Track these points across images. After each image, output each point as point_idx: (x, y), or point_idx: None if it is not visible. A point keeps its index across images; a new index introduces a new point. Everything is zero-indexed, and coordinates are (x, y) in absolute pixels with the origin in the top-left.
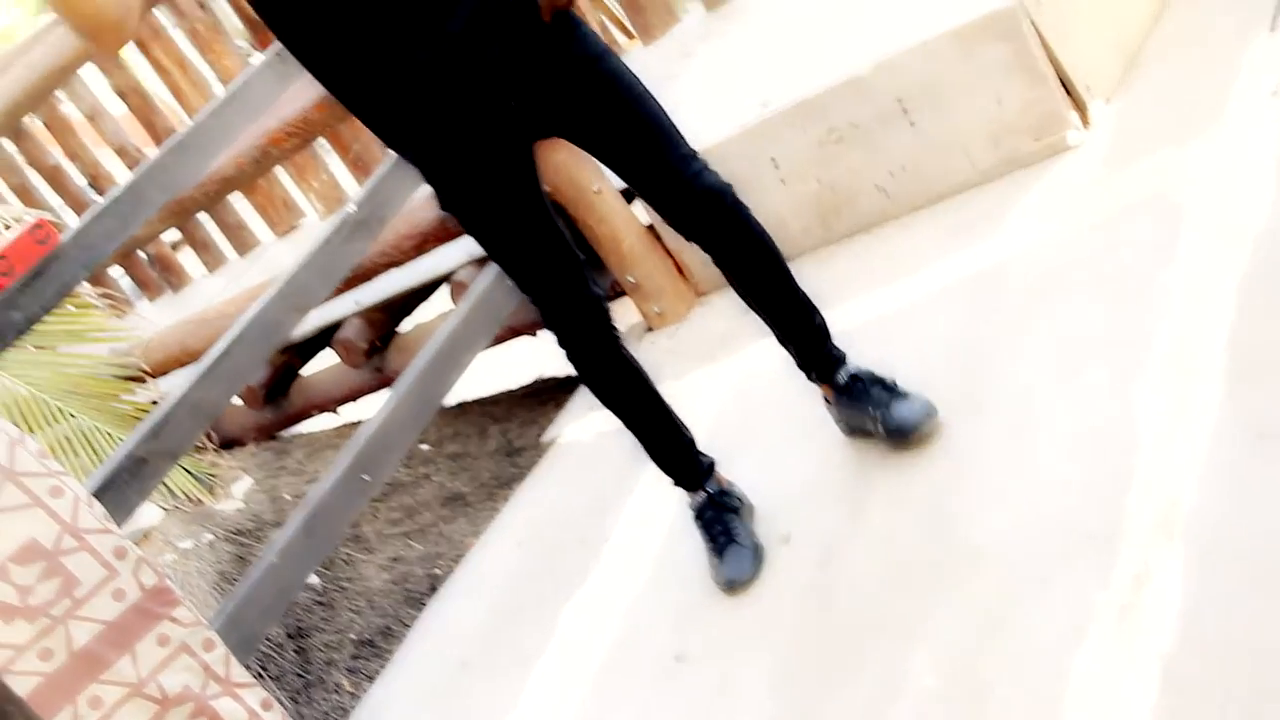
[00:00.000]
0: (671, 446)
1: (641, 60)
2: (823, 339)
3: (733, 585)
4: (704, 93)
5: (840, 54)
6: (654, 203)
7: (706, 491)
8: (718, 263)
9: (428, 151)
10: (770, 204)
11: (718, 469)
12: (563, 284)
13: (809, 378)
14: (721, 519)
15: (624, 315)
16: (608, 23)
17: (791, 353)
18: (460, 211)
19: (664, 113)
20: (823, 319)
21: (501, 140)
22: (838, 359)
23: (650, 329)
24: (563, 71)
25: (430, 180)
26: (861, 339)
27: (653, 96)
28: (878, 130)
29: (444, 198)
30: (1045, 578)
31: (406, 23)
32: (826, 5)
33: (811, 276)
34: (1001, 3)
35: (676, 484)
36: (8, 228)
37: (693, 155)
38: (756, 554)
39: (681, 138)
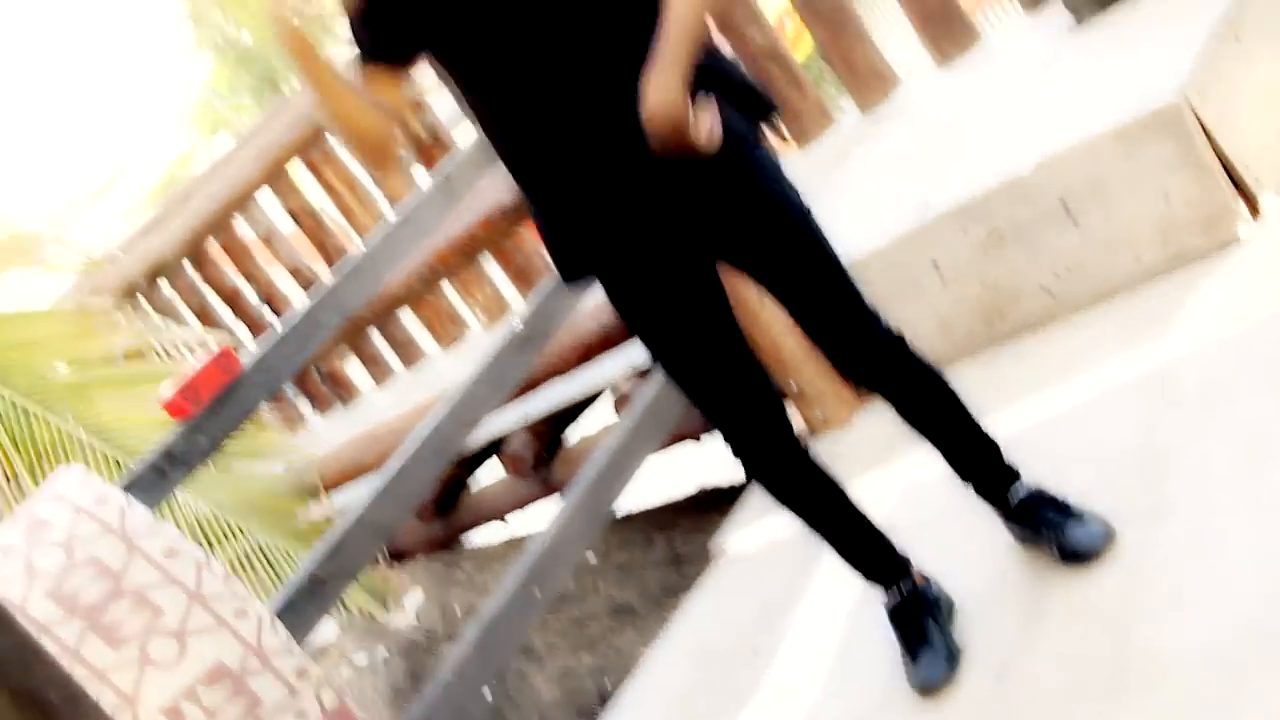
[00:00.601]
0: (866, 543)
1: (798, 164)
2: (995, 463)
3: (926, 688)
4: (862, 196)
5: (999, 154)
6: (829, 351)
7: (901, 589)
8: (895, 407)
9: (607, 271)
10: (933, 306)
11: (913, 564)
12: (752, 401)
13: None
14: (917, 618)
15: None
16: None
17: (966, 477)
18: (643, 332)
19: (841, 260)
20: (996, 444)
21: (681, 262)
22: (1009, 479)
23: (813, 434)
24: (743, 209)
25: (613, 300)
26: (1032, 443)
27: (830, 242)
28: (1041, 230)
29: (627, 318)
30: (1235, 688)
31: (589, 149)
32: (982, 105)
33: (977, 379)
34: (1164, 99)
35: (871, 581)
36: (192, 351)
37: (869, 305)
38: (951, 656)
39: (857, 286)
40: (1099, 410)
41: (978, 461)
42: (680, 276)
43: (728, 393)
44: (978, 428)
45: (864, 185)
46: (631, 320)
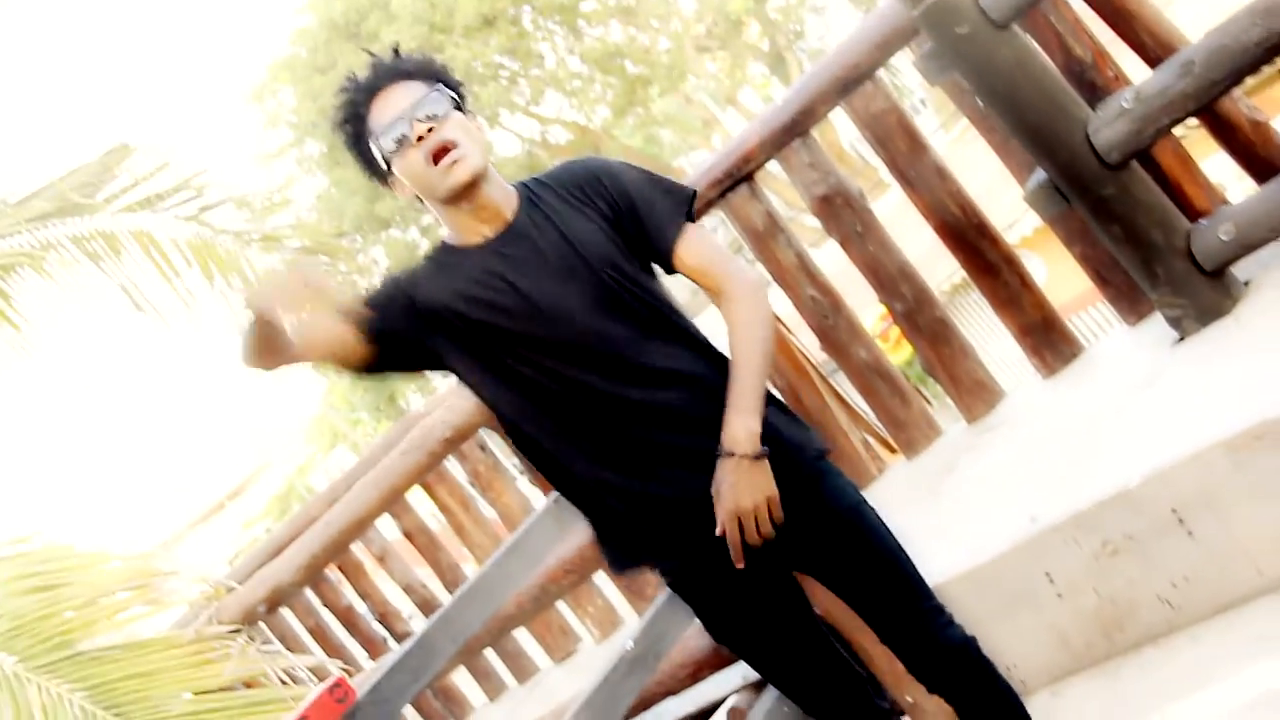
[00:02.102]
0: None
1: (905, 475)
2: None
3: None
4: (971, 506)
5: (1107, 466)
6: (900, 652)
7: None
8: (960, 714)
9: (692, 585)
10: (1048, 618)
11: None
12: (846, 704)
13: None
14: None
15: None
16: (869, 439)
17: None
18: (733, 643)
19: (912, 564)
20: None
21: (761, 572)
22: None
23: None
24: (815, 520)
25: (700, 614)
26: None
27: (902, 548)
28: (1155, 541)
29: (714, 630)
30: None
31: (665, 468)
32: (1088, 417)
33: (1099, 692)
34: (1275, 410)
35: None
36: (310, 678)
37: (940, 608)
38: None
39: (928, 589)
40: None
41: None
42: (759, 588)
43: (822, 695)
44: None
45: (972, 496)
46: (714, 628)
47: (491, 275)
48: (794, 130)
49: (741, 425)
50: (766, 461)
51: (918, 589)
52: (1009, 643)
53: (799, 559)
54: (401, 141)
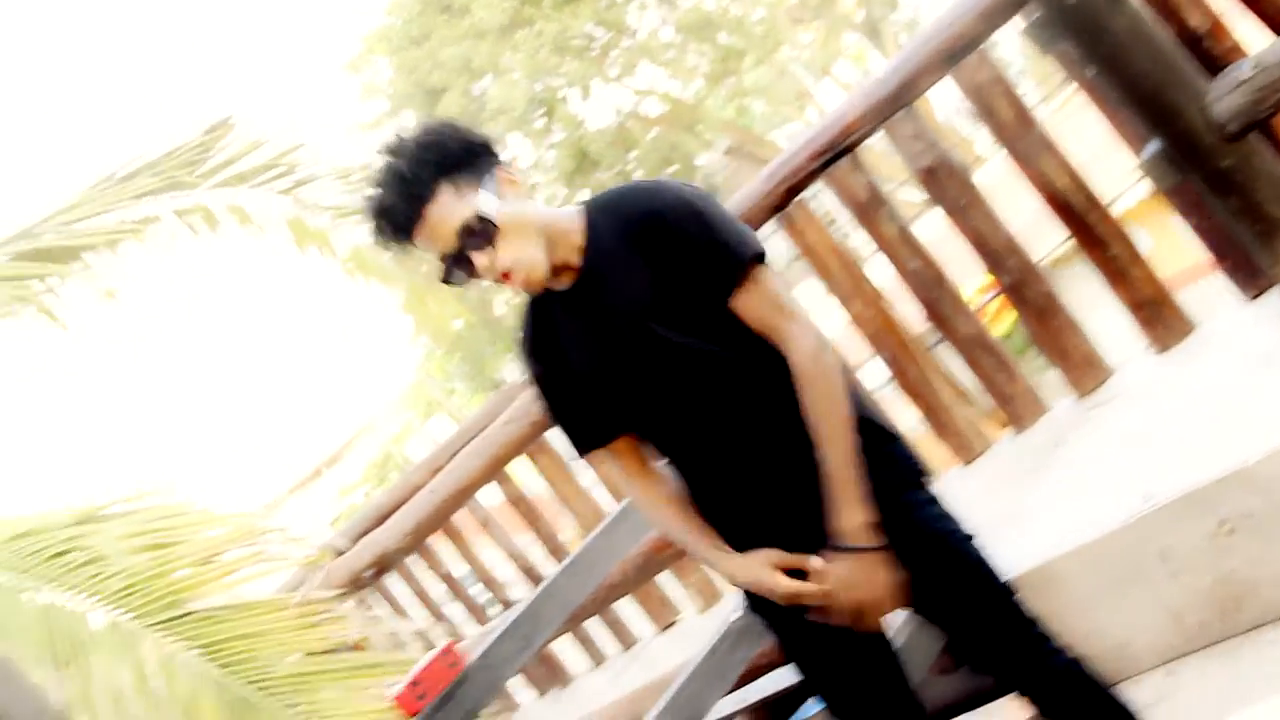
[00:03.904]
0: None
1: (1011, 450)
2: None
3: None
4: (1081, 483)
5: (1224, 444)
6: (1010, 681)
7: None
8: None
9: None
10: (1161, 597)
11: None
12: None
13: None
14: None
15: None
16: (973, 414)
17: None
18: (808, 669)
19: (1011, 592)
20: None
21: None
22: None
23: None
24: (915, 551)
25: (778, 636)
26: None
27: (994, 569)
28: (1274, 520)
29: (790, 651)
30: None
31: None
32: (1202, 394)
33: (1217, 672)
34: None
35: None
36: (416, 642)
37: (1042, 635)
38: None
39: (1027, 617)
40: None
41: None
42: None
43: None
44: None
45: (1082, 472)
46: (795, 659)
47: (585, 327)
48: (898, 101)
49: (850, 520)
50: (885, 553)
51: (1024, 616)
52: (1120, 621)
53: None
54: (463, 272)
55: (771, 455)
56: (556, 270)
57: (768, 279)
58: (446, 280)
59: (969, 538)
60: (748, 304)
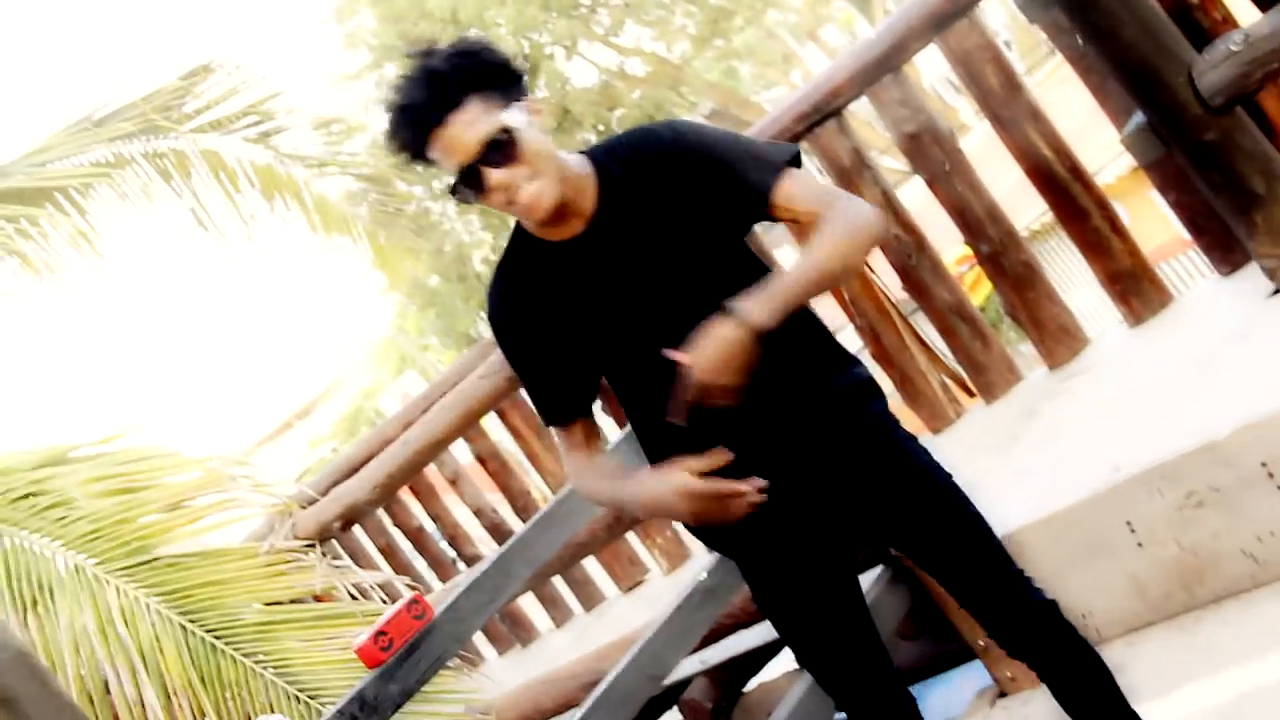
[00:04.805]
0: None
1: (983, 419)
2: None
3: None
4: (1052, 454)
5: (1195, 417)
6: (980, 616)
7: None
8: (1044, 678)
9: (743, 551)
10: (1126, 567)
11: None
12: (871, 686)
13: None
14: None
15: (978, 680)
16: (948, 381)
17: None
18: (768, 605)
19: (989, 527)
20: None
21: (821, 547)
22: None
23: (1003, 694)
24: (890, 487)
25: (744, 572)
26: (1232, 716)
27: (978, 511)
28: (1241, 494)
29: (755, 588)
30: None
31: (736, 437)
32: (1176, 367)
33: (1177, 644)
34: None
35: None
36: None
37: (1020, 572)
38: None
39: (1006, 553)
40: None
41: None
42: (815, 567)
43: (851, 679)
44: (1133, 715)
45: (1053, 443)
46: (762, 600)
47: (589, 281)
48: (885, 65)
49: (758, 305)
50: (758, 348)
51: (999, 554)
52: (1085, 591)
53: (875, 528)
54: (476, 188)
55: (765, 415)
56: (563, 215)
57: (806, 175)
58: (454, 193)
59: (950, 475)
60: (791, 193)
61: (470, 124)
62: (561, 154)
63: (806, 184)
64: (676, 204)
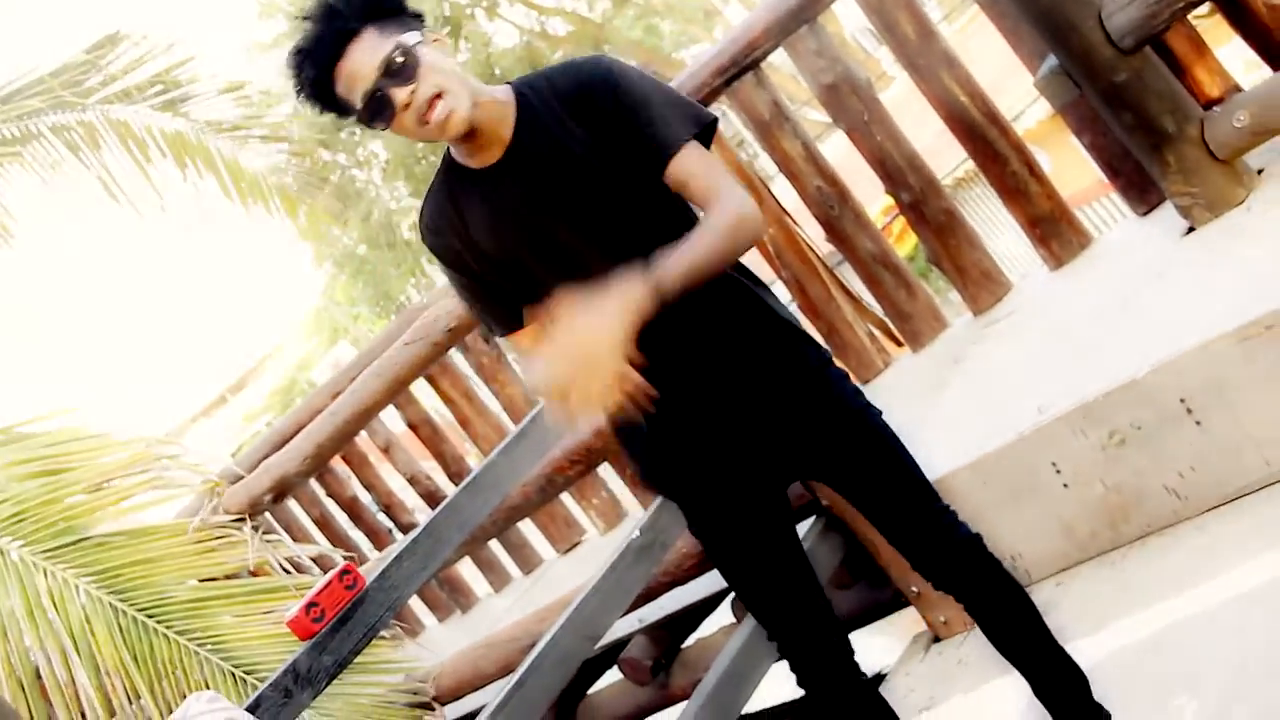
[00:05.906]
0: None
1: (910, 367)
2: (1081, 695)
3: None
4: (977, 399)
5: (1115, 357)
6: (908, 552)
7: None
8: (971, 612)
9: (682, 489)
10: (1054, 508)
11: None
12: (810, 627)
13: None
14: None
15: (911, 626)
16: (875, 331)
17: (1049, 709)
18: (710, 544)
19: (917, 465)
20: (1081, 673)
21: (756, 482)
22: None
23: (937, 639)
24: (822, 423)
25: (685, 512)
26: (1159, 648)
27: (906, 450)
28: (1162, 431)
29: (696, 528)
30: None
31: (669, 371)
32: (1096, 308)
33: (1104, 582)
34: None
35: None
36: (315, 566)
37: (946, 508)
38: None
39: (934, 490)
40: (1229, 617)
41: (1059, 685)
42: (752, 504)
43: (790, 620)
44: (1058, 648)
45: (979, 387)
46: (704, 539)
47: (502, 207)
48: (801, 16)
49: (647, 283)
50: (632, 329)
51: (926, 490)
52: (1014, 533)
53: (806, 465)
54: (383, 112)
55: (685, 341)
56: (482, 144)
57: (707, 153)
58: (368, 123)
59: (880, 413)
60: (688, 168)
61: (369, 49)
62: (477, 83)
63: (705, 165)
64: (584, 138)
